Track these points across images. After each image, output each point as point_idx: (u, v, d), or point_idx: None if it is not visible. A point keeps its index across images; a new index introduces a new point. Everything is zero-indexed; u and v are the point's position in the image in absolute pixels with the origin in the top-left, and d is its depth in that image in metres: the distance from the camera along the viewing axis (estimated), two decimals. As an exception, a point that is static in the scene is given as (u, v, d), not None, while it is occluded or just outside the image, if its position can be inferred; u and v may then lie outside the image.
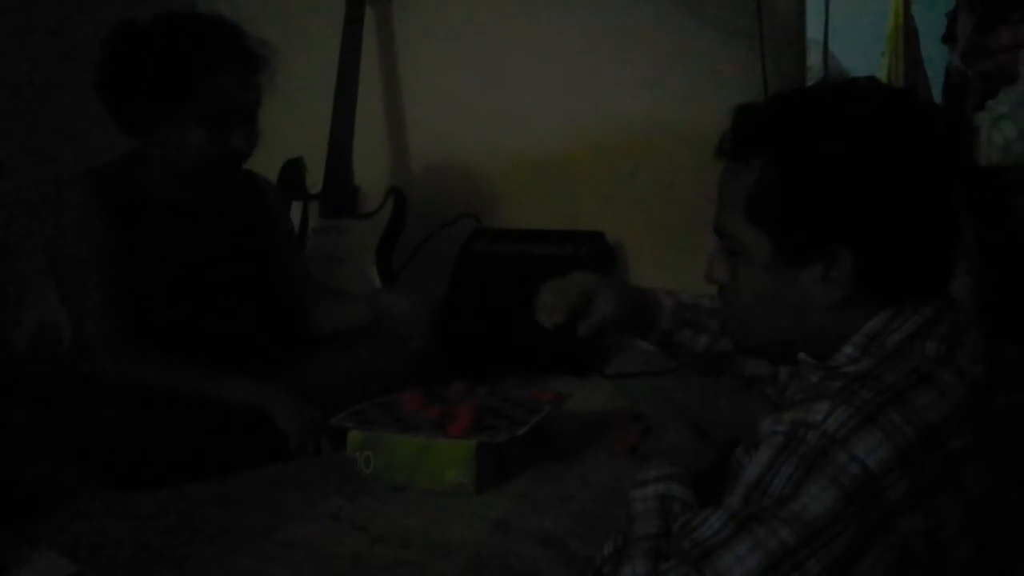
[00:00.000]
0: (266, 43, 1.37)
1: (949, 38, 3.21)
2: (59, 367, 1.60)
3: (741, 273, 0.86)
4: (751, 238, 0.83)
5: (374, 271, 1.89)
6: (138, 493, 1.15)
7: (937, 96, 3.21)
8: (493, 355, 1.76)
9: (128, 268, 1.34)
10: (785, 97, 0.86)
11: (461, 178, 2.11)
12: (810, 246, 0.80)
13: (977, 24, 2.92)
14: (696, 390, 1.45)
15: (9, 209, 1.80)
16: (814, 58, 3.71)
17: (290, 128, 2.01)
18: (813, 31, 3.13)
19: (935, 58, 3.20)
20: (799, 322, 0.84)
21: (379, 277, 1.91)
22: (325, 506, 1.10)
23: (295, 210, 1.96)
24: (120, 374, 1.31)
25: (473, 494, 1.13)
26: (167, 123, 1.31)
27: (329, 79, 2.00)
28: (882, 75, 3.16)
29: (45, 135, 1.85)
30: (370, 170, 2.07)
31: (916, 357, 0.78)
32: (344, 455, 1.19)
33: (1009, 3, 2.73)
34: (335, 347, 1.49)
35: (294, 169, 2.00)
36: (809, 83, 3.68)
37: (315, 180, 2.01)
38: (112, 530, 1.04)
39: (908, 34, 3.13)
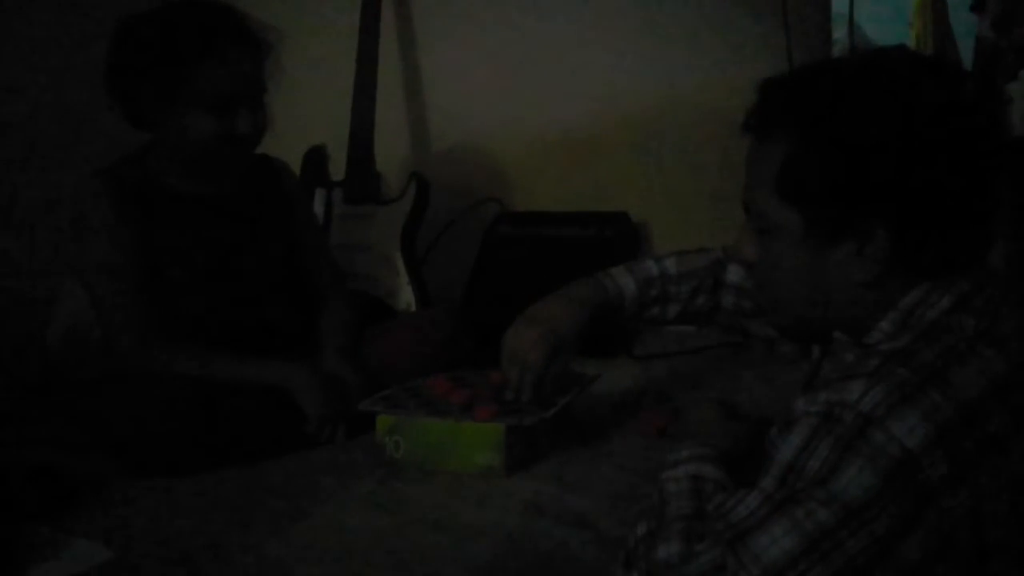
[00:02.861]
0: (270, 27, 1.38)
1: (978, 6, 3.14)
2: (90, 362, 1.61)
3: (772, 251, 0.85)
4: (782, 215, 0.82)
5: (399, 257, 1.90)
6: (170, 481, 1.16)
7: (967, 67, 3.16)
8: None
9: (149, 260, 1.36)
10: (812, 69, 0.84)
11: (483, 161, 2.11)
12: (844, 222, 0.79)
13: None
14: (725, 369, 1.44)
15: (37, 207, 1.83)
16: (839, 32, 3.65)
17: (311, 115, 2.02)
18: (839, 4, 3.08)
19: (964, 28, 3.14)
20: (833, 299, 0.83)
21: (403, 263, 1.92)
22: (356, 490, 1.11)
23: (319, 197, 1.97)
24: (147, 364, 1.32)
25: (503, 477, 1.13)
26: (173, 111, 1.32)
27: (349, 65, 2.00)
28: (910, 46, 3.11)
29: (67, 133, 1.87)
30: (392, 156, 2.07)
31: (954, 332, 0.76)
32: (373, 439, 1.20)
33: (1043, -32, 2.66)
34: (371, 333, 1.49)
35: (317, 156, 2.01)
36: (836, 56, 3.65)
37: (338, 167, 2.02)
38: (146, 518, 1.06)
39: (936, 4, 3.07)
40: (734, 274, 1.20)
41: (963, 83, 0.82)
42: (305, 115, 1.96)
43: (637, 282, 1.19)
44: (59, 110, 1.87)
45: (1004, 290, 0.82)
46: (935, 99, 0.77)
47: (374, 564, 0.93)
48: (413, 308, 1.86)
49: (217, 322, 1.38)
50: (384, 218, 1.93)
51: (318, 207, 1.95)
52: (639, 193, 1.98)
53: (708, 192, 1.84)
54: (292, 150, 1.96)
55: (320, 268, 1.53)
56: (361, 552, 0.95)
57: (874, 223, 0.77)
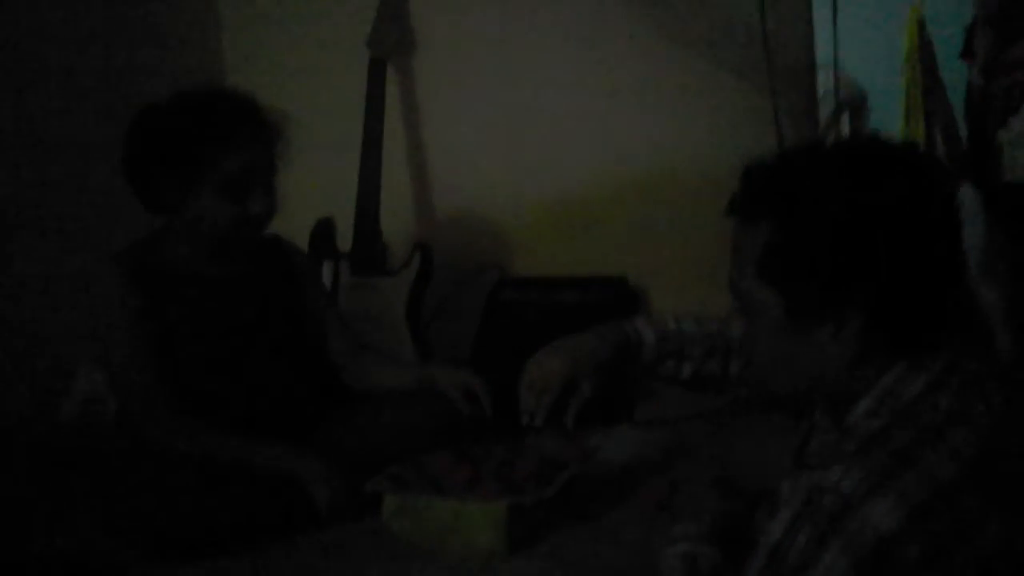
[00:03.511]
0: (279, 112, 1.44)
1: (967, 53, 3.20)
2: (106, 437, 1.66)
3: (757, 330, 0.89)
4: (763, 297, 0.86)
5: (404, 326, 1.94)
6: (181, 565, 1.19)
7: (958, 114, 3.21)
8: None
9: (165, 341, 1.41)
10: (791, 157, 0.89)
11: (485, 229, 2.17)
12: (821, 305, 0.83)
13: (996, 38, 2.92)
14: (723, 435, 1.46)
15: (55, 284, 1.90)
16: (829, 82, 3.73)
17: (320, 189, 2.09)
18: (823, 56, 3.15)
19: (954, 74, 3.20)
20: (816, 377, 0.87)
21: (409, 331, 1.96)
22: (364, 572, 1.14)
23: (327, 269, 2.03)
24: (160, 440, 1.37)
25: (507, 557, 1.16)
26: (188, 197, 1.38)
27: (355, 139, 2.08)
28: (900, 95, 3.16)
29: (87, 211, 1.94)
30: (397, 226, 2.14)
31: (928, 414, 0.80)
32: (379, 520, 1.23)
33: (1030, 16, 2.72)
34: (369, 407, 1.52)
35: (325, 229, 2.07)
36: (822, 111, 3.69)
37: (345, 238, 2.08)
38: None
39: (925, 54, 3.11)
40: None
41: (931, 171, 0.87)
42: (314, 189, 2.02)
43: (656, 333, 1.21)
44: (75, 191, 1.95)
45: (979, 368, 0.85)
46: (904, 190, 0.82)
47: None
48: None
49: (229, 399, 1.42)
50: (390, 288, 1.99)
51: (326, 278, 2.01)
52: (637, 258, 2.01)
53: (704, 257, 1.87)
54: (301, 223, 2.02)
55: (339, 335, 1.59)
56: None
57: (849, 307, 0.82)
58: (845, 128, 3.72)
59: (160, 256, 1.44)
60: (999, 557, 0.76)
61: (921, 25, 3.05)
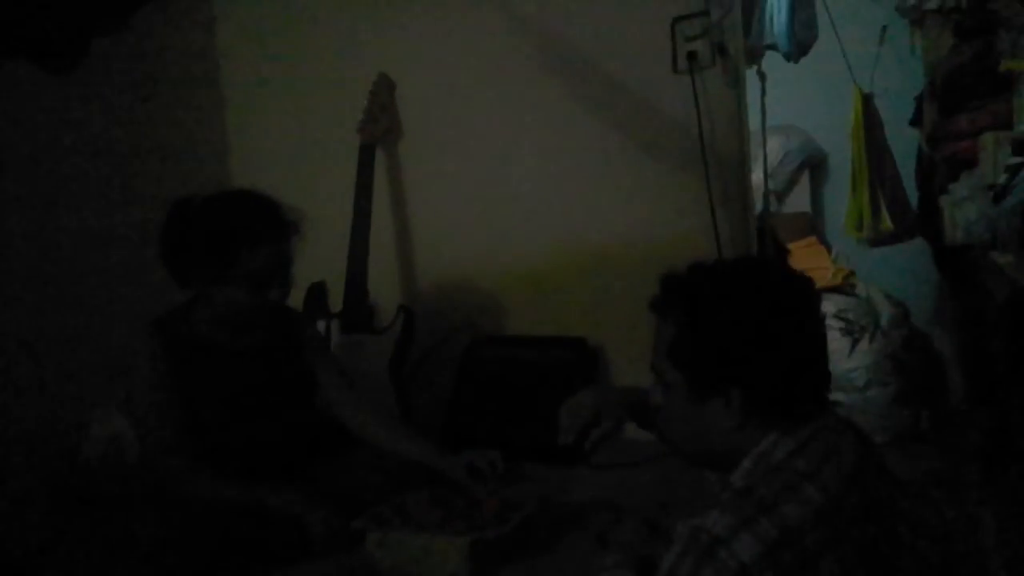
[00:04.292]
0: (296, 211, 1.62)
1: (917, 122, 3.45)
2: (125, 478, 1.82)
3: (668, 402, 1.12)
4: (673, 376, 1.10)
5: (388, 381, 2.14)
6: None
7: (909, 178, 3.42)
8: (494, 447, 2.00)
9: (187, 399, 1.60)
10: (695, 270, 1.12)
11: (461, 293, 2.35)
12: (712, 384, 1.06)
13: (940, 109, 3.15)
14: (664, 482, 1.65)
15: (78, 337, 2.11)
16: (789, 144, 3.95)
17: (313, 256, 2.29)
18: (782, 118, 3.31)
19: (911, 140, 3.43)
20: (710, 440, 1.09)
21: (392, 383, 2.16)
22: None
23: (319, 327, 2.19)
24: (170, 483, 1.56)
25: None
26: (215, 283, 1.57)
27: (347, 213, 2.26)
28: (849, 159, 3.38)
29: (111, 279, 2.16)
30: (383, 289, 2.31)
31: (787, 473, 1.01)
32: (364, 551, 1.44)
33: (967, 92, 2.97)
34: (360, 453, 1.73)
35: (318, 291, 2.26)
36: (784, 169, 3.90)
37: (336, 300, 2.26)
38: None
39: (871, 126, 3.33)
40: None
41: (795, 283, 1.11)
42: (307, 255, 2.24)
43: None
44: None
45: (837, 438, 1.07)
46: (770, 301, 1.07)
47: None
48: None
49: (237, 450, 1.61)
50: (376, 346, 2.17)
51: (318, 336, 2.21)
52: (595, 320, 2.20)
53: (653, 320, 2.12)
54: (296, 285, 2.23)
55: (342, 394, 1.74)
56: None
57: (733, 386, 1.05)
58: (807, 186, 3.95)
59: (188, 327, 1.63)
60: None
61: (867, 100, 3.30)
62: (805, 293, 1.11)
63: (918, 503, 1.12)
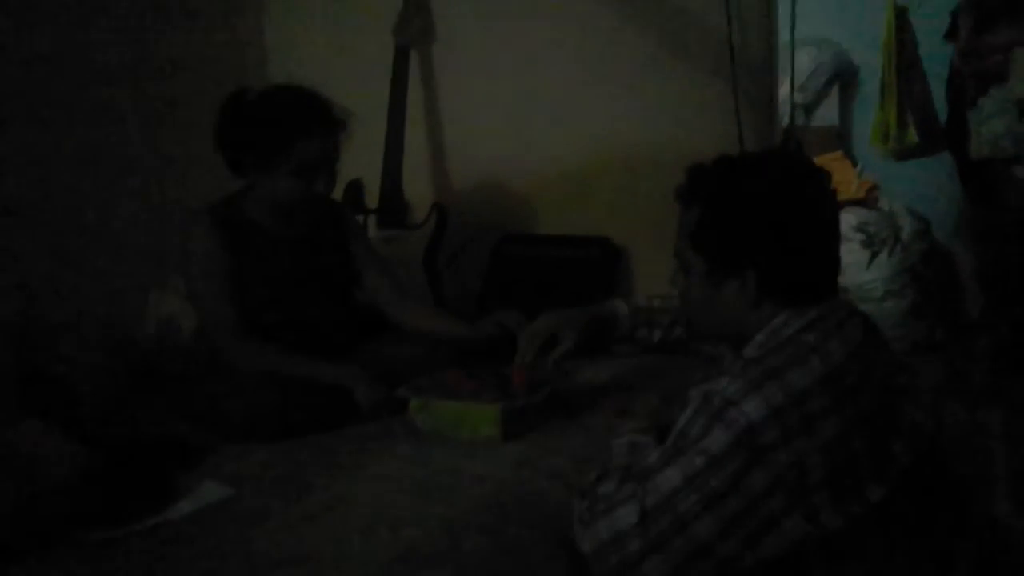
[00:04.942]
0: (344, 109, 1.70)
1: (951, 36, 3.41)
2: (181, 355, 1.97)
3: (690, 284, 1.22)
4: (693, 260, 1.19)
5: (422, 272, 2.25)
6: (262, 446, 1.54)
7: (939, 93, 3.40)
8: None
9: (239, 281, 1.71)
10: (719, 162, 1.20)
11: (492, 192, 2.42)
12: (729, 266, 1.16)
13: (974, 25, 3.12)
14: (671, 367, 1.75)
15: (128, 225, 2.23)
16: (822, 56, 3.90)
17: (351, 153, 2.37)
18: (816, 31, 3.27)
19: (943, 55, 3.38)
20: (727, 319, 1.19)
21: (425, 276, 2.27)
22: (396, 451, 1.48)
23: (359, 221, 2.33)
24: (237, 358, 1.68)
25: (500, 443, 1.49)
26: (267, 172, 1.66)
27: (382, 113, 2.34)
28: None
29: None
30: (417, 187, 2.40)
31: (795, 346, 1.11)
32: (406, 416, 1.58)
33: (1004, 6, 2.94)
34: (396, 337, 1.85)
35: (355, 188, 2.36)
36: (813, 84, 3.88)
37: (372, 197, 2.36)
38: (255, 468, 1.45)
39: (903, 39, 3.29)
40: None
41: (810, 174, 1.18)
42: (345, 154, 2.33)
43: (629, 307, 1.56)
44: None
45: (846, 316, 1.16)
46: (785, 189, 1.15)
47: (410, 495, 1.31)
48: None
49: (289, 331, 1.73)
50: (411, 240, 2.28)
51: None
52: (621, 221, 2.28)
53: (675, 222, 2.20)
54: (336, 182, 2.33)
55: (383, 283, 1.84)
56: (402, 491, 1.33)
57: (748, 268, 1.14)
58: (836, 100, 3.93)
59: (240, 213, 1.73)
60: (836, 445, 1.04)
61: (900, 12, 3.27)
62: (821, 185, 1.18)
63: (915, 380, 1.23)
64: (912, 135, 3.28)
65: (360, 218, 2.33)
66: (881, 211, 3.45)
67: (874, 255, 3.35)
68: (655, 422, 1.31)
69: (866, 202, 3.47)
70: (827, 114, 3.89)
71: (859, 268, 3.28)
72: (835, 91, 3.94)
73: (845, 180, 3.48)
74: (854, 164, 3.68)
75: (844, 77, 3.93)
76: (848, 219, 3.22)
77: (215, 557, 1.18)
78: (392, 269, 1.91)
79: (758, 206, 1.14)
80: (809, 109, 3.88)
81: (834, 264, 1.19)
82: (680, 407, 1.14)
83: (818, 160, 3.29)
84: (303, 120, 1.62)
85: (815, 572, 1.08)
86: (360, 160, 2.22)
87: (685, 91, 2.20)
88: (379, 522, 1.23)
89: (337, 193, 2.21)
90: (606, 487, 1.13)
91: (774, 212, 1.13)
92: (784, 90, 2.40)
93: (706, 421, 1.06)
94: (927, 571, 1.14)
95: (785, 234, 1.13)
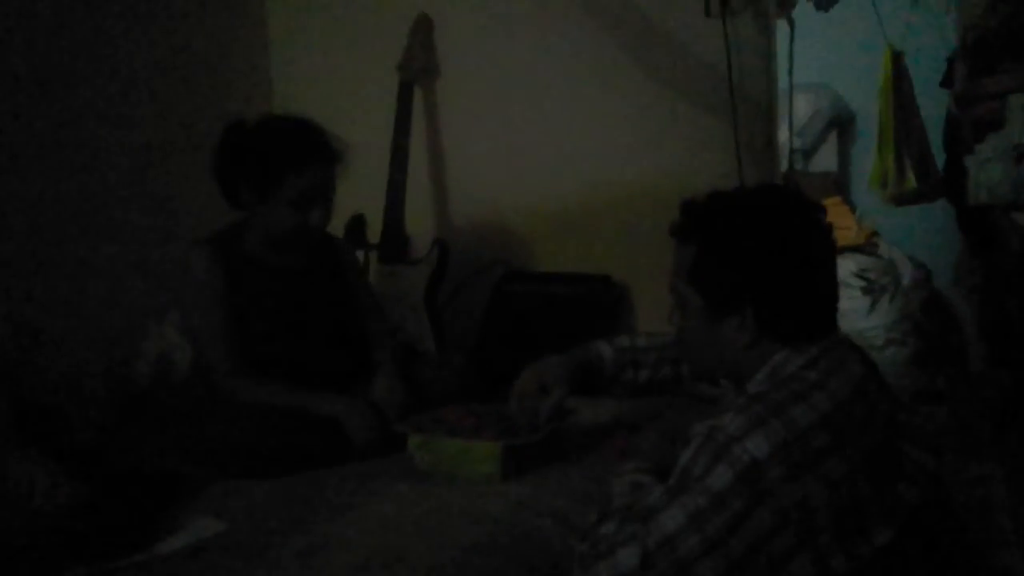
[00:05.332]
0: (341, 141, 1.70)
1: (947, 82, 3.45)
2: (177, 389, 1.95)
3: (687, 321, 1.21)
4: (691, 297, 1.17)
5: (423, 309, 2.23)
6: (253, 482, 1.51)
7: (937, 139, 3.43)
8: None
9: (237, 313, 1.69)
10: (713, 197, 1.19)
11: (493, 228, 2.43)
12: (727, 303, 1.14)
13: (970, 71, 3.17)
14: (672, 406, 1.73)
15: (125, 261, 2.21)
16: (819, 101, 3.94)
17: (353, 187, 2.37)
18: (813, 76, 3.28)
19: (940, 101, 3.42)
20: (725, 356, 1.18)
21: (426, 313, 2.26)
22: (394, 489, 1.45)
23: (358, 256, 2.28)
24: (234, 392, 1.66)
25: (500, 482, 1.46)
26: (264, 204, 1.65)
27: (385, 149, 2.33)
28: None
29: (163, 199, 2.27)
30: (419, 223, 2.39)
31: (798, 382, 1.10)
32: (405, 453, 1.55)
33: (998, 53, 2.98)
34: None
35: (357, 223, 2.36)
36: (813, 128, 3.90)
37: (374, 232, 2.36)
38: (243, 504, 1.41)
39: (900, 86, 3.33)
40: None
41: (809, 212, 1.17)
42: (347, 188, 2.33)
43: (613, 349, 1.52)
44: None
45: (846, 354, 1.15)
46: (784, 228, 1.14)
47: (406, 534, 1.28)
48: (434, 352, 2.20)
49: (286, 364, 1.71)
50: (412, 276, 2.26)
51: (357, 264, 2.30)
52: (622, 258, 2.28)
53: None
54: (337, 217, 2.31)
55: (372, 321, 1.84)
56: (400, 530, 1.30)
57: (746, 305, 1.13)
58: (834, 145, 3.96)
59: (238, 245, 1.72)
60: (842, 483, 1.03)
61: (896, 59, 3.31)
62: (818, 221, 1.17)
63: (915, 418, 1.21)
64: (911, 181, 3.29)
65: (361, 253, 2.32)
66: (881, 257, 3.45)
67: (875, 302, 3.35)
68: (657, 462, 1.29)
69: (866, 248, 3.47)
70: (825, 160, 3.92)
71: (859, 315, 3.26)
72: (833, 137, 3.98)
73: (845, 226, 3.49)
74: (852, 210, 3.70)
75: (842, 123, 3.97)
76: (848, 265, 3.22)
77: (206, 594, 1.14)
78: (382, 314, 1.90)
79: (755, 242, 1.13)
80: (807, 154, 3.91)
81: (832, 300, 1.18)
82: (682, 445, 1.13)
83: (817, 204, 3.30)
84: (296, 151, 1.62)
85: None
86: (362, 194, 2.25)
87: (685, 128, 2.21)
88: (373, 561, 1.20)
89: (339, 227, 2.27)
90: (607, 528, 1.11)
91: (772, 248, 1.12)
92: (783, 135, 2.40)
93: (709, 459, 1.04)
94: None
95: (784, 270, 1.13)
